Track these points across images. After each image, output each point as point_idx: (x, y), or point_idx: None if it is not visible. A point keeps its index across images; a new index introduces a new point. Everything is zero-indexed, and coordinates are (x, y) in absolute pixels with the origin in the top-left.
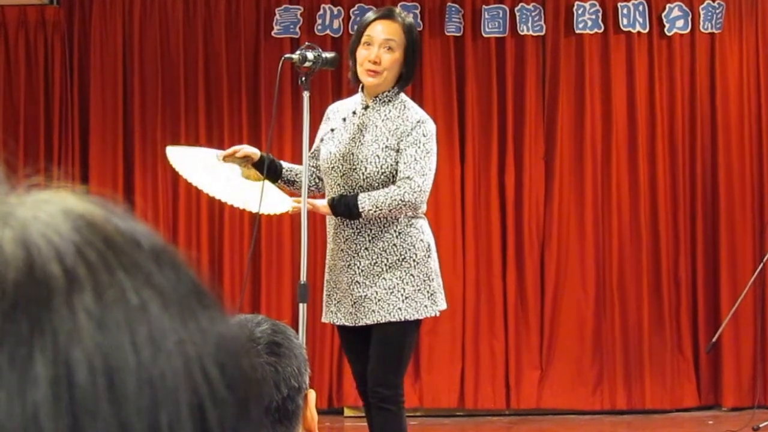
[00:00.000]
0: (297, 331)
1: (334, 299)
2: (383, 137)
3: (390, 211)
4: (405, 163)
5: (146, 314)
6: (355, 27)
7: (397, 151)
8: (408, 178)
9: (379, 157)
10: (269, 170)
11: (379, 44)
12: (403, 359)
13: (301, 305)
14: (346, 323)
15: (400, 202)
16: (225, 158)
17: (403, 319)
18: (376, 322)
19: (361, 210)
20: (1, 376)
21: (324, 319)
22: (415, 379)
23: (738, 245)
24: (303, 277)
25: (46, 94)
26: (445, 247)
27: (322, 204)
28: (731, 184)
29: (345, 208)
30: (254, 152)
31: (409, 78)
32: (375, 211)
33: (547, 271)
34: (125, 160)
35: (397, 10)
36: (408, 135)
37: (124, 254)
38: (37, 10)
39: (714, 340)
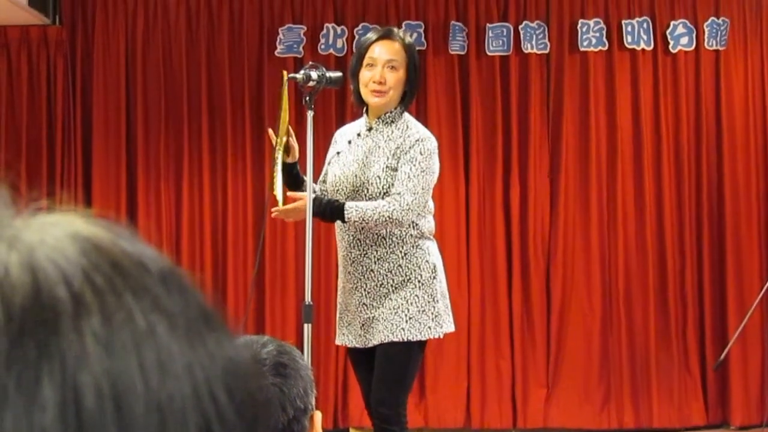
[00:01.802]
0: (302, 351)
1: (345, 321)
2: (384, 157)
3: (375, 225)
4: (399, 179)
5: (154, 338)
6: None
7: (396, 170)
8: (398, 194)
9: (380, 178)
10: (295, 180)
11: (383, 64)
12: (406, 380)
13: (306, 326)
14: (357, 345)
15: (387, 218)
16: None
17: (405, 340)
18: (380, 342)
19: (347, 219)
20: (9, 400)
21: (337, 342)
22: (420, 399)
23: (745, 262)
24: (308, 298)
25: (48, 113)
26: (450, 265)
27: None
28: (737, 200)
29: (327, 210)
30: (294, 154)
31: (412, 96)
32: (361, 224)
33: (553, 288)
34: (128, 180)
35: (396, 29)
36: (405, 153)
37: (131, 278)
38: (39, 30)
39: (721, 357)
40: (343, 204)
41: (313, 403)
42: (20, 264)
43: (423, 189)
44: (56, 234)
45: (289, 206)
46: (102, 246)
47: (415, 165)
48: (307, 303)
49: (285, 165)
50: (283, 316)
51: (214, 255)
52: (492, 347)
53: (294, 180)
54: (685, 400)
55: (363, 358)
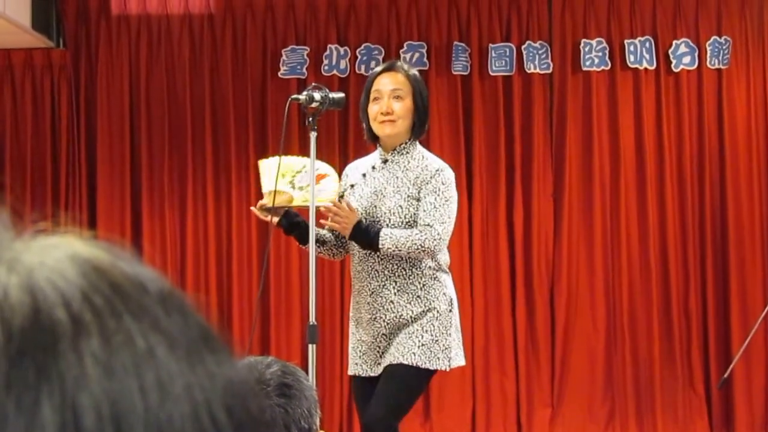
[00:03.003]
0: (307, 372)
1: (359, 352)
2: (405, 188)
3: (408, 253)
4: (425, 210)
5: (153, 358)
6: (362, 67)
7: (418, 199)
8: (428, 225)
9: (402, 208)
10: (301, 233)
11: (388, 95)
12: (403, 403)
13: (310, 346)
14: (372, 374)
15: (420, 247)
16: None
17: (413, 364)
18: (389, 363)
19: (381, 245)
20: (8, 422)
21: (349, 372)
22: (425, 419)
23: (748, 280)
24: (312, 318)
25: (53, 137)
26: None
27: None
28: (740, 219)
29: (365, 236)
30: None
31: (422, 126)
32: (394, 250)
33: (557, 308)
34: (133, 204)
35: (399, 62)
36: (427, 183)
37: (130, 299)
38: (43, 53)
39: (726, 375)
40: (379, 230)
41: (318, 423)
42: (19, 286)
43: (449, 218)
44: (56, 256)
45: (345, 211)
46: (101, 267)
47: (439, 195)
48: (311, 324)
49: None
50: (288, 337)
51: (218, 277)
52: (496, 367)
53: (301, 228)
54: (690, 418)
55: (370, 390)
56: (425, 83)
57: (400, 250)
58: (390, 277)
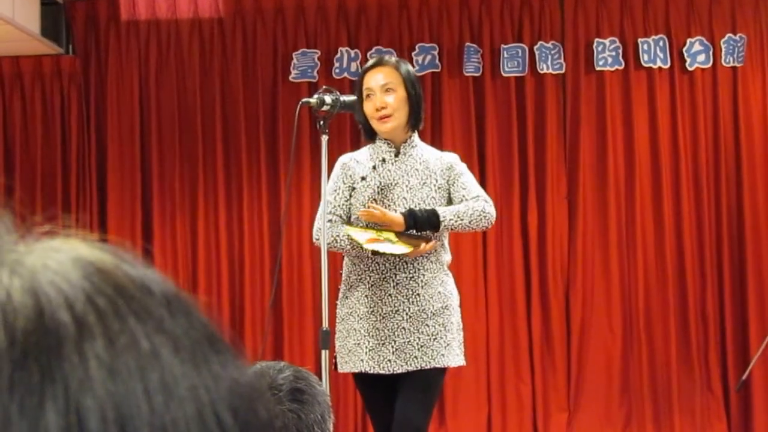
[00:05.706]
0: (320, 377)
1: (365, 347)
2: (431, 179)
3: (470, 221)
4: (464, 188)
5: (158, 360)
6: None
7: (446, 189)
8: (477, 196)
9: (435, 199)
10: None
11: (379, 90)
12: (434, 405)
13: (323, 351)
14: (381, 371)
15: (482, 212)
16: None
17: (445, 366)
18: (419, 368)
19: (442, 219)
20: (12, 425)
21: (348, 369)
22: (440, 424)
23: (765, 281)
24: (325, 324)
25: (63, 144)
26: (468, 289)
27: (397, 219)
28: (757, 219)
29: (422, 219)
30: None
31: (419, 114)
32: (456, 222)
33: (573, 311)
34: (143, 210)
35: (385, 56)
36: (452, 169)
37: (134, 301)
38: (52, 61)
39: (744, 377)
40: (433, 209)
41: (331, 429)
42: (23, 288)
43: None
44: (59, 258)
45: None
46: (105, 269)
47: (469, 176)
48: (324, 329)
49: None
50: (300, 343)
51: (230, 283)
52: (512, 371)
53: None
54: (708, 421)
55: (382, 385)
56: (437, 85)
57: (461, 221)
58: (419, 269)
